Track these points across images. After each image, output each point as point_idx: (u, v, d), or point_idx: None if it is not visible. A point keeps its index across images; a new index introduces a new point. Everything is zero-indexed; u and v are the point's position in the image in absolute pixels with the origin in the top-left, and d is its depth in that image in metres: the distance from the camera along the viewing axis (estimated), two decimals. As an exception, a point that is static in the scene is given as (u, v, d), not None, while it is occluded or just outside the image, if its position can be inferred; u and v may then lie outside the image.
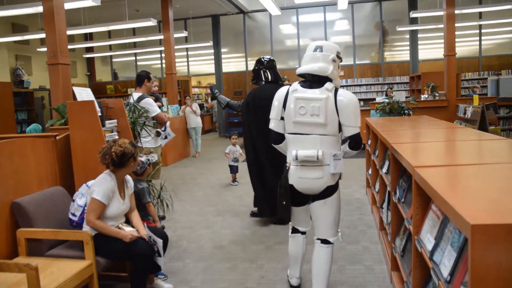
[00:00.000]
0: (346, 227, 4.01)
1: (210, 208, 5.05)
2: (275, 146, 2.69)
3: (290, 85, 2.56)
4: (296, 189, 2.51)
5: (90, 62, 15.77)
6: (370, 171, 4.69)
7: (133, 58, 15.29)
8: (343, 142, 2.53)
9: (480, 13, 12.16)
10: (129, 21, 9.58)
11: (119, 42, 13.33)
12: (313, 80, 2.46)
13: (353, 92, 3.49)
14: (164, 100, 8.24)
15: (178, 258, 3.51)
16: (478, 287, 1.15)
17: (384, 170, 3.30)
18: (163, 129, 4.60)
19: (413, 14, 10.46)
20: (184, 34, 11.43)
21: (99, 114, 3.27)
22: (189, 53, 14.85)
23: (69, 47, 5.75)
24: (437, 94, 9.17)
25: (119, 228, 2.70)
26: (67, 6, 5.94)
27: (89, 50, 15.10)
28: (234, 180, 6.35)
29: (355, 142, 2.46)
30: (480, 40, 12.82)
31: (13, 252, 2.69)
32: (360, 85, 13.27)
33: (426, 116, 5.64)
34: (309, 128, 2.43)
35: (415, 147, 2.81)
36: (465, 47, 12.86)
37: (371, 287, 2.84)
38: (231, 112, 12.87)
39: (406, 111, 5.68)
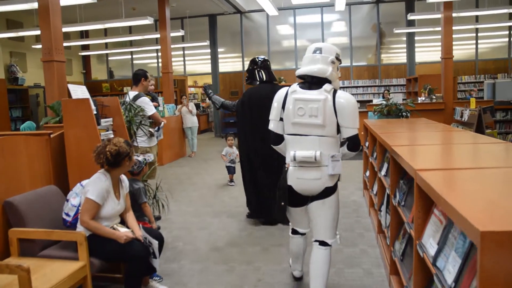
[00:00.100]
0: (343, 230, 3.97)
1: (207, 209, 5.00)
2: (274, 147, 2.71)
3: (290, 86, 2.57)
4: (295, 190, 2.52)
5: (86, 60, 15.65)
6: (367, 173, 4.66)
7: (129, 56, 15.20)
8: (342, 144, 2.54)
9: (477, 16, 12.21)
10: (126, 19, 9.50)
11: (115, 40, 13.24)
12: (312, 82, 2.49)
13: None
14: (160, 99, 8.18)
15: (174, 260, 3.46)
16: (487, 295, 1.12)
17: (383, 172, 3.27)
18: (156, 129, 4.55)
19: (410, 17, 10.48)
20: (180, 33, 11.36)
21: (95, 112, 3.21)
22: (186, 52, 14.79)
23: (65, 44, 5.69)
24: (434, 97, 9.17)
25: (114, 228, 2.65)
26: (63, 2, 5.88)
27: (85, 48, 14.99)
28: (231, 180, 6.30)
29: (353, 144, 2.48)
30: (476, 44, 12.87)
31: (4, 252, 2.63)
32: (356, 87, 13.28)
33: (424, 118, 5.63)
34: (307, 129, 2.44)
35: (415, 150, 2.78)
36: (461, 51, 12.90)
37: (370, 291, 2.81)
38: (227, 112, 12.83)
39: (404, 113, 5.66)
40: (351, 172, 6.52)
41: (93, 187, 2.60)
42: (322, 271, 2.52)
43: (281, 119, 2.56)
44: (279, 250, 3.59)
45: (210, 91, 4.73)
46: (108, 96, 12.78)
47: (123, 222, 2.81)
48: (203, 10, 13.17)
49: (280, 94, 2.58)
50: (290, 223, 2.83)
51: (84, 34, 14.21)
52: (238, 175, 6.30)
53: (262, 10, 12.59)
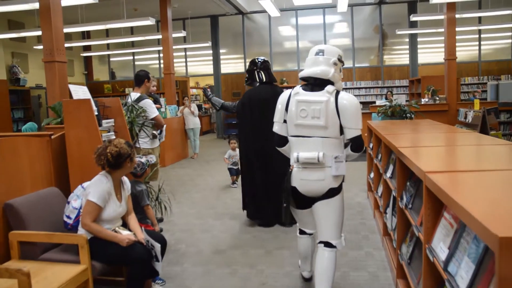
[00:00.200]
0: (348, 232, 3.92)
1: (209, 211, 4.96)
2: (279, 149, 2.71)
3: (293, 88, 2.58)
4: (299, 191, 2.53)
5: (88, 61, 15.63)
6: (372, 175, 4.61)
7: (131, 57, 15.18)
8: (346, 145, 2.55)
9: (480, 17, 12.15)
10: (127, 20, 9.46)
11: (117, 41, 13.21)
12: (315, 83, 2.50)
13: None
14: (162, 100, 8.15)
15: (177, 262, 3.42)
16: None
17: (388, 174, 3.22)
18: (158, 131, 4.52)
19: (413, 18, 10.43)
20: (182, 34, 11.34)
21: (96, 113, 3.18)
22: (188, 53, 14.76)
23: (66, 45, 5.66)
24: (437, 98, 9.12)
25: (116, 231, 2.61)
26: (64, 3, 5.84)
27: (87, 49, 14.98)
28: (233, 182, 6.26)
29: (356, 145, 2.50)
30: (479, 45, 12.81)
31: (5, 255, 2.59)
32: (359, 88, 13.23)
33: (428, 119, 5.57)
34: (310, 130, 2.46)
35: (422, 152, 2.73)
36: (464, 52, 12.84)
37: (376, 295, 2.76)
38: (228, 113, 12.80)
39: (408, 115, 5.61)
40: (355, 174, 6.47)
41: (94, 189, 2.56)
42: (327, 275, 2.48)
43: (285, 121, 2.57)
44: (282, 253, 3.54)
45: (210, 93, 4.70)
46: (110, 97, 12.80)
47: (125, 225, 2.77)
48: (205, 11, 13.15)
49: (283, 96, 2.60)
50: (297, 224, 2.84)
51: (85, 35, 14.19)
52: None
53: (264, 11, 12.55)
